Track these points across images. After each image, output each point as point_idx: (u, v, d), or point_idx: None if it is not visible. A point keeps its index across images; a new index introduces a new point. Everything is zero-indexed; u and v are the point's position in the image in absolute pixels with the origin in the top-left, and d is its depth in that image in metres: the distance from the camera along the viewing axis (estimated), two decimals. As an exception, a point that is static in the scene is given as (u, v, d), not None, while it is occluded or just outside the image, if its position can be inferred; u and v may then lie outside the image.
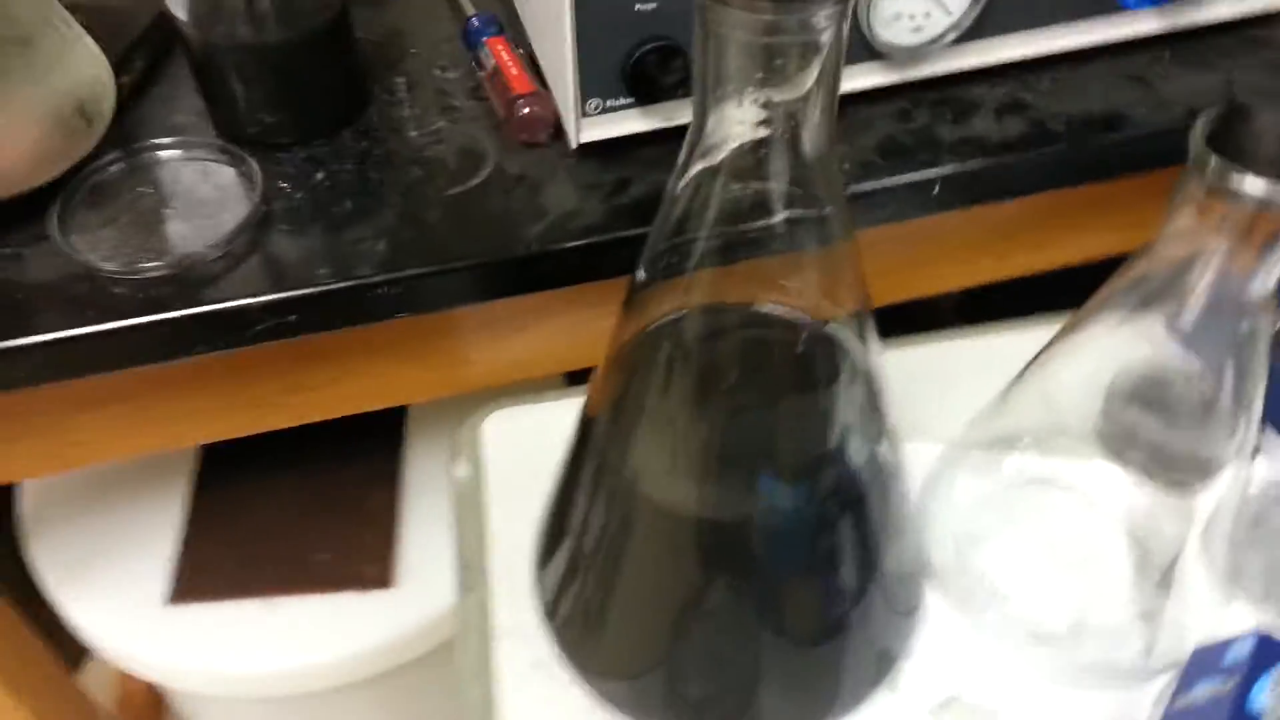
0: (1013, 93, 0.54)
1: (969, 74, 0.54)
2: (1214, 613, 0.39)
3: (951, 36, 0.51)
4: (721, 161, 0.29)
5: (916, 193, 0.51)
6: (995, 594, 0.40)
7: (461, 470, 0.47)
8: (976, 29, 0.52)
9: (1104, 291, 0.36)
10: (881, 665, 0.39)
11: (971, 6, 0.51)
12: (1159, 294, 0.33)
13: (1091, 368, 0.37)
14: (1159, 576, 0.39)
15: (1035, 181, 0.53)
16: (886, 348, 0.49)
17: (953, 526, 0.41)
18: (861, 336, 0.33)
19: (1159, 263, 0.33)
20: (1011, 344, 0.49)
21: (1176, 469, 0.37)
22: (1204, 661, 0.34)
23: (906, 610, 0.40)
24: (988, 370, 0.45)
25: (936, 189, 0.51)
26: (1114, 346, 0.36)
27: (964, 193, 0.52)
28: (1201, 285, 0.31)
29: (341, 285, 0.46)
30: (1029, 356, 0.39)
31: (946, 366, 0.49)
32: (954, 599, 0.41)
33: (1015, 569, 0.40)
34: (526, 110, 0.50)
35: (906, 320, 0.54)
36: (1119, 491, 0.39)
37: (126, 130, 0.52)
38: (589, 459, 0.37)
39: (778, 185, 0.29)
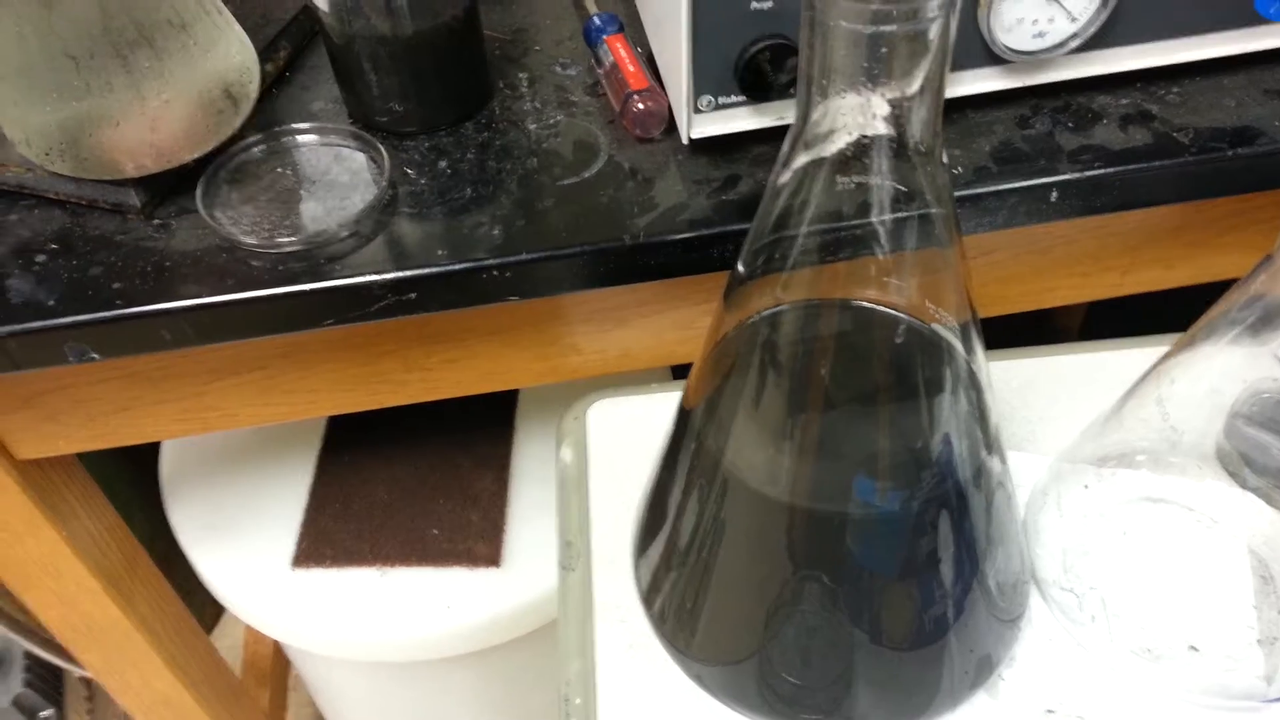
0: (1138, 102, 0.53)
1: (1093, 81, 0.53)
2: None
3: (1075, 44, 0.50)
4: (825, 157, 0.28)
5: (1033, 199, 0.50)
6: (1105, 608, 0.39)
7: (565, 455, 0.48)
8: (1102, 37, 0.50)
9: (1218, 308, 0.35)
10: (981, 670, 0.38)
11: (1097, 14, 0.49)
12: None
13: (1210, 387, 0.36)
14: (1283, 602, 0.38)
15: (1158, 193, 0.51)
16: (999, 358, 0.48)
17: (1062, 539, 0.41)
18: (964, 339, 0.33)
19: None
20: (1125, 359, 0.48)
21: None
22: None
23: (1009, 618, 0.39)
24: (1100, 385, 0.44)
25: (1054, 196, 0.50)
26: (1234, 366, 0.35)
27: (1082, 202, 0.51)
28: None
29: (458, 267, 0.47)
30: (1141, 372, 0.38)
31: (1058, 379, 0.48)
32: (1060, 611, 0.40)
33: (1127, 585, 0.39)
34: (640, 106, 0.51)
35: (1030, 335, 0.53)
36: (1241, 513, 0.38)
37: (268, 114, 0.55)
38: (685, 449, 0.37)
39: (882, 182, 0.29)
